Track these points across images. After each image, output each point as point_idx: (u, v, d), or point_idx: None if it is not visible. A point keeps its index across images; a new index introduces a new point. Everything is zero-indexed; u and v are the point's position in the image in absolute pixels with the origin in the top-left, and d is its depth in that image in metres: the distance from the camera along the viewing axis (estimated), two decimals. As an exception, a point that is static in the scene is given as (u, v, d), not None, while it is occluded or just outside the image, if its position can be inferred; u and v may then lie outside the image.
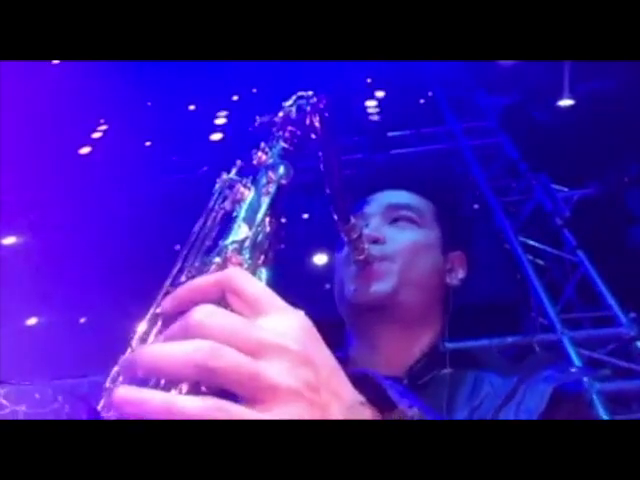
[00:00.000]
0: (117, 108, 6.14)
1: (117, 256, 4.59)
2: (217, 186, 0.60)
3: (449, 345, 0.90)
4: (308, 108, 0.70)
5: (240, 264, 0.50)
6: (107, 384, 0.45)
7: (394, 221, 0.95)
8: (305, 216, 4.76)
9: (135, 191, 5.22)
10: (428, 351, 0.88)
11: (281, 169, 0.60)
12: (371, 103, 6.01)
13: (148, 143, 5.93)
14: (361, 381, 0.49)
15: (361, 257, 0.86)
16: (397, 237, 0.92)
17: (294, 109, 0.70)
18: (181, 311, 0.43)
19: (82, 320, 5.01)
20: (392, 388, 0.59)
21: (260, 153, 0.63)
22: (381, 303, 0.87)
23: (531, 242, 4.57)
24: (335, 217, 0.81)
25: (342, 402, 0.43)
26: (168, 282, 0.52)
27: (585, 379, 3.32)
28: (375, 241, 0.89)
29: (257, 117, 0.70)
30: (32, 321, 5.00)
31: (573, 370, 0.79)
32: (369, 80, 6.29)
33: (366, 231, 0.89)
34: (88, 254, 4.77)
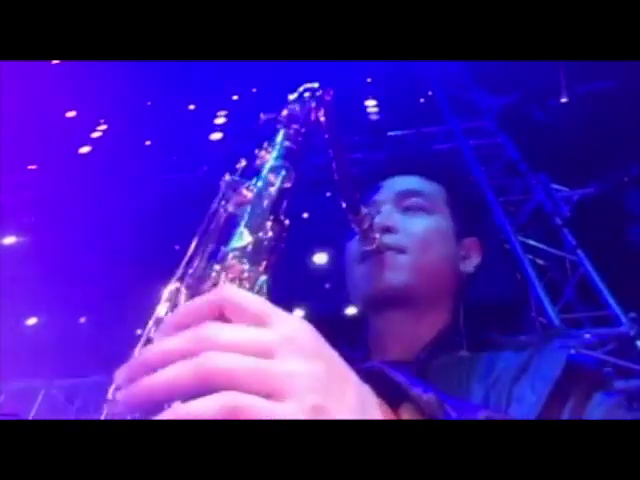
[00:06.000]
0: (117, 108, 6.15)
1: (117, 256, 4.59)
2: (221, 187, 0.59)
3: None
4: (313, 104, 0.70)
5: (241, 272, 0.49)
6: (109, 396, 0.44)
7: (406, 209, 0.94)
8: (305, 215, 4.76)
9: (135, 191, 5.22)
10: (441, 336, 0.87)
11: (283, 172, 0.59)
12: (371, 103, 6.02)
13: (148, 143, 5.93)
14: (369, 376, 0.49)
15: (372, 247, 0.86)
16: (409, 226, 0.91)
17: (298, 106, 0.68)
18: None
19: (82, 320, 5.02)
20: (402, 378, 0.59)
21: (263, 152, 0.62)
22: (394, 294, 0.86)
23: (531, 242, 4.57)
24: (344, 207, 0.80)
25: (355, 389, 0.44)
26: (169, 287, 0.51)
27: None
28: (387, 230, 0.88)
29: (261, 114, 0.69)
30: (32, 321, 5.00)
31: (587, 336, 0.79)
32: (369, 80, 6.29)
33: (377, 219, 0.88)
34: (88, 254, 4.77)
